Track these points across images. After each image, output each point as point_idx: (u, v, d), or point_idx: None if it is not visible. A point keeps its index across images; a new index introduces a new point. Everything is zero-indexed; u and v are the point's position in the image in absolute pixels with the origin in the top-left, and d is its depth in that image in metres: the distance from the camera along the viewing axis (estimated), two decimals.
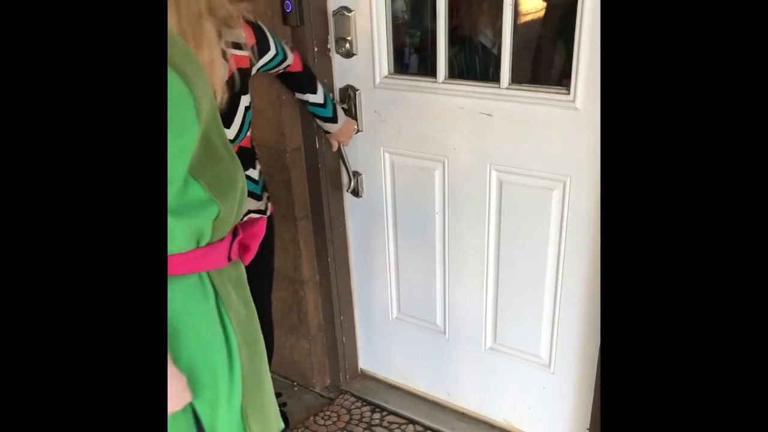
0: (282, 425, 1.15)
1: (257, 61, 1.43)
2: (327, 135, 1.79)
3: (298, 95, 1.67)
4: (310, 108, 1.68)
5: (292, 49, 1.57)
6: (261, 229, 1.06)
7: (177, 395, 0.88)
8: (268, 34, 1.46)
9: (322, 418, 2.03)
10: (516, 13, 1.50)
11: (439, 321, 1.94)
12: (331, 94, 1.73)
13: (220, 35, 1.30)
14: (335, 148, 1.82)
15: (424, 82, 1.66)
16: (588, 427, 1.75)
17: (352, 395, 2.13)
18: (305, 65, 1.63)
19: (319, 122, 1.73)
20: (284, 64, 1.54)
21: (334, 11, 1.70)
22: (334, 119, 1.71)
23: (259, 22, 1.45)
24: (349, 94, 1.77)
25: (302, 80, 1.63)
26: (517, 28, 1.52)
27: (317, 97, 1.65)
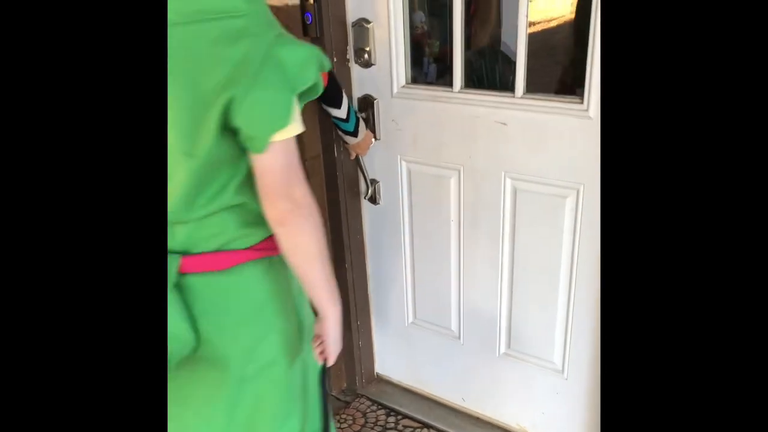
0: None
1: None
2: (345, 144, 1.83)
3: (323, 105, 1.71)
4: (333, 119, 1.72)
5: None
6: None
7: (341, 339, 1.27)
8: None
9: (338, 421, 2.06)
10: (529, 23, 1.53)
11: (454, 326, 1.97)
12: (355, 108, 1.76)
13: None
14: (353, 157, 1.86)
15: (440, 92, 1.70)
16: None
17: (368, 399, 2.16)
18: (332, 81, 1.63)
19: (340, 133, 1.78)
20: None
21: (353, 23, 1.74)
22: (354, 133, 1.75)
23: None
24: (367, 103, 1.82)
25: (326, 94, 1.66)
26: (531, 37, 1.54)
27: (340, 112, 1.69)
